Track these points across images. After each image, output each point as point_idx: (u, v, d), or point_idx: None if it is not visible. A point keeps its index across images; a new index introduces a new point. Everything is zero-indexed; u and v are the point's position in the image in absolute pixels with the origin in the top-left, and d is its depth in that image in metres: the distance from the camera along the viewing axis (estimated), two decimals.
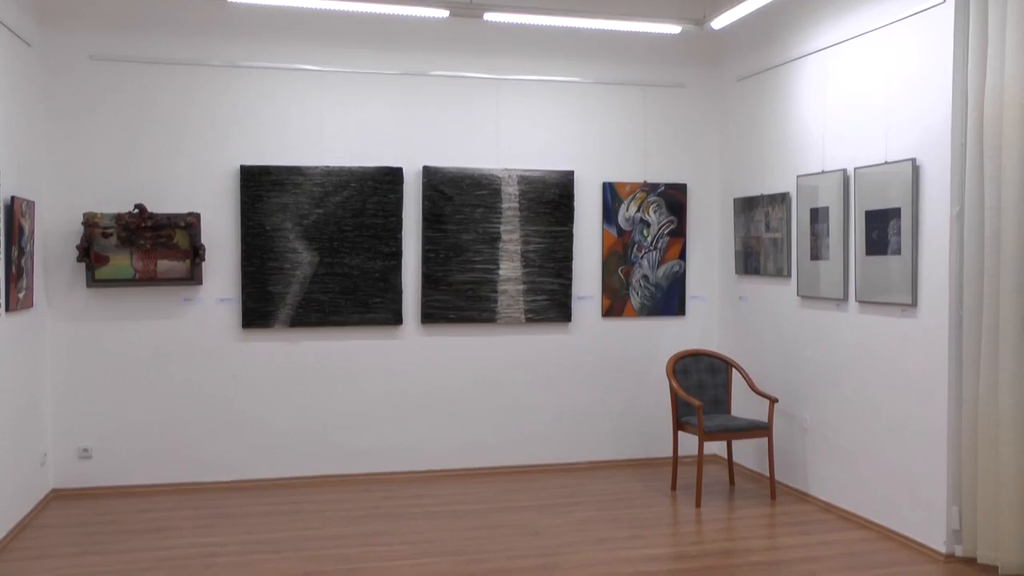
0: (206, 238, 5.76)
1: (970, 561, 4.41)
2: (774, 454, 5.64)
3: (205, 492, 5.74)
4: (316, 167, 5.87)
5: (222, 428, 5.87)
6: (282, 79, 5.90)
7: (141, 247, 5.58)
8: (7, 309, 4.81)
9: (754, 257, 6.11)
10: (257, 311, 5.82)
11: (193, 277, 5.69)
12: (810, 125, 5.53)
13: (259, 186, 5.80)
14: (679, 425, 5.69)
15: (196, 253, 5.65)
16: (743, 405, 6.09)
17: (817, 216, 5.39)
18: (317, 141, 5.91)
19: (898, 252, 4.69)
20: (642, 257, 6.47)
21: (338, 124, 5.96)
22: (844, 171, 5.14)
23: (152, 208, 5.67)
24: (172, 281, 5.67)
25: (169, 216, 5.64)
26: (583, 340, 6.40)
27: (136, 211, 5.59)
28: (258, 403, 5.91)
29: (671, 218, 6.53)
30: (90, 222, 5.51)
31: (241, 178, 5.77)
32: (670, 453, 6.10)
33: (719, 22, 5.69)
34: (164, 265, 5.64)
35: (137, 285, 5.63)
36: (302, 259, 5.85)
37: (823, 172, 5.33)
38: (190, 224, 5.65)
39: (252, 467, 5.91)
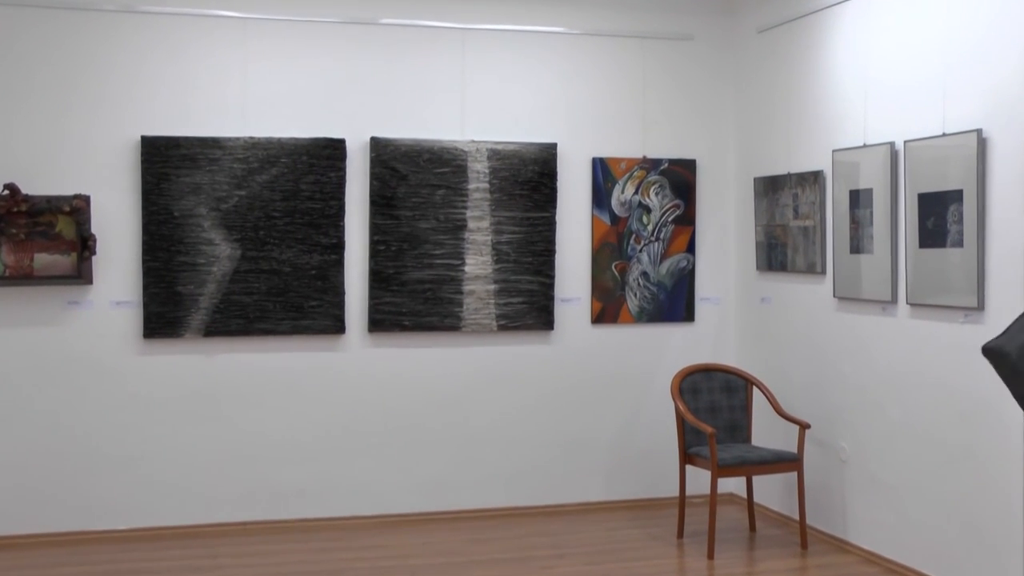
0: (97, 226, 5.68)
1: None
2: (805, 492, 5.63)
3: (96, 543, 5.66)
4: (237, 138, 5.85)
5: (118, 463, 5.80)
6: (194, 28, 5.85)
7: (13, 237, 5.53)
8: None
9: (780, 250, 6.12)
10: (163, 317, 5.79)
11: (81, 275, 5.64)
12: (849, 88, 5.51)
13: (165, 162, 5.76)
14: (687, 457, 5.71)
15: (85, 245, 5.59)
16: (766, 432, 6.08)
17: (858, 200, 5.39)
18: (238, 106, 5.88)
19: (959, 244, 4.68)
20: (641, 250, 6.48)
21: (265, 85, 5.93)
22: (891, 145, 5.13)
23: (27, 189, 5.59)
24: (53, 280, 5.61)
25: (49, 199, 5.58)
26: (569, 352, 6.41)
27: (6, 192, 5.52)
28: (164, 432, 5.85)
29: (677, 202, 6.53)
30: None
31: (142, 152, 5.74)
32: (676, 492, 6.00)
33: None
34: (43, 260, 5.59)
35: (8, 284, 5.58)
36: (220, 252, 5.85)
37: (865, 146, 5.33)
38: (77, 209, 5.58)
39: (156, 512, 5.85)
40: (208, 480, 5.89)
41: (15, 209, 5.47)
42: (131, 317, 5.77)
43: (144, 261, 5.73)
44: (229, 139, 5.81)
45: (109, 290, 5.73)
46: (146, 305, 5.74)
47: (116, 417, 5.77)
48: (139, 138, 5.73)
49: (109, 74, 5.72)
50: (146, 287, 5.73)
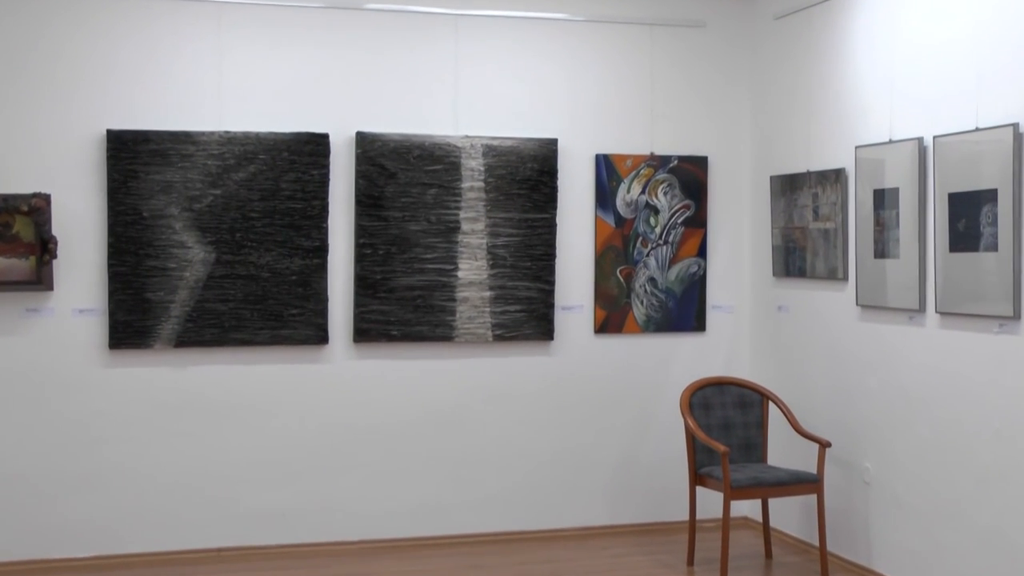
0: (58, 228, 5.65)
1: None
2: (825, 516, 5.61)
3: (56, 572, 5.64)
4: (212, 133, 5.85)
5: (81, 485, 5.77)
6: (165, 12, 5.85)
7: None
8: None
9: (798, 254, 6.12)
10: (130, 326, 5.77)
11: (40, 280, 5.63)
12: (873, 79, 5.50)
13: (133, 158, 5.75)
14: (698, 478, 5.72)
15: (45, 248, 5.59)
16: (783, 451, 6.08)
17: (883, 200, 5.38)
18: (214, 98, 5.88)
19: (994, 248, 4.65)
20: (648, 254, 6.48)
21: (242, 75, 5.94)
22: (920, 140, 5.12)
23: None
24: (10, 285, 5.59)
25: (6, 198, 5.55)
26: (570, 365, 6.42)
27: None
28: (131, 451, 5.83)
29: (687, 202, 6.54)
30: None
31: (108, 147, 5.72)
32: (686, 516, 6.02)
33: None
34: None
35: None
36: (193, 256, 5.84)
37: (891, 142, 5.32)
38: (36, 209, 5.57)
39: (122, 538, 5.83)
40: (180, 503, 5.86)
41: None
42: (95, 326, 5.75)
43: (110, 265, 5.71)
44: (203, 133, 5.79)
45: (71, 297, 5.71)
46: (112, 313, 5.71)
47: (79, 434, 5.73)
48: (104, 132, 5.70)
49: (72, 62, 5.69)
50: (112, 294, 5.71)
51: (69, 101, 5.69)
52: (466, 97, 6.19)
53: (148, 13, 5.78)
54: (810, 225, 5.97)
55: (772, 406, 5.97)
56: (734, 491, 5.38)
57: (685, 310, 6.52)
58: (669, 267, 6.48)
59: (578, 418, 6.39)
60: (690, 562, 5.75)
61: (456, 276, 6.14)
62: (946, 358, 4.98)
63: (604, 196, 6.38)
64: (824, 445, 5.53)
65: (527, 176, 6.22)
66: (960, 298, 4.86)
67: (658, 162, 6.44)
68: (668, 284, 6.48)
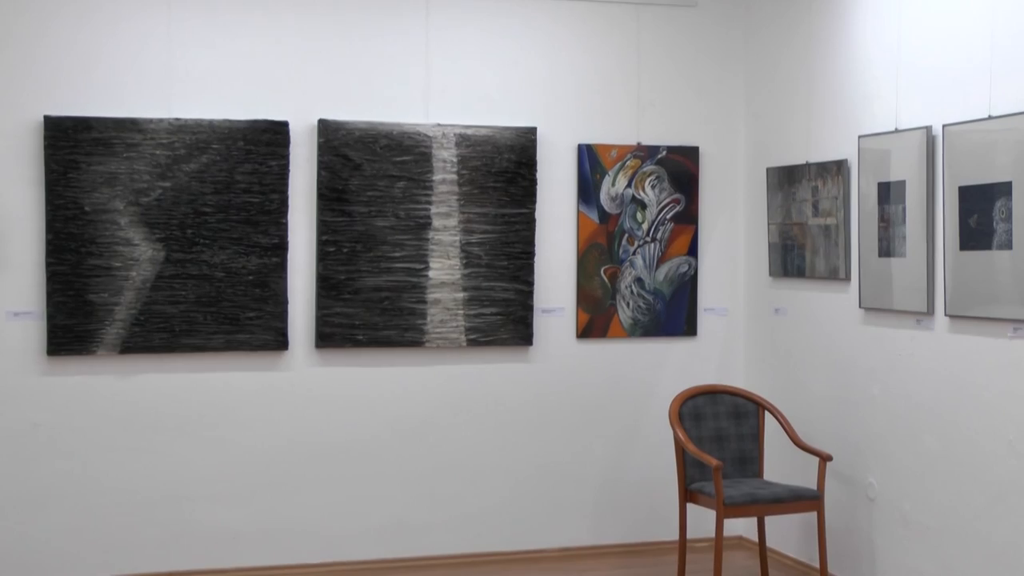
0: None
1: None
2: (826, 535, 5.61)
3: None
4: (161, 120, 5.84)
5: (17, 504, 5.73)
6: None
7: None
8: None
9: (797, 252, 6.13)
10: (71, 330, 5.75)
11: None
12: (878, 63, 5.51)
13: (74, 147, 5.73)
14: (689, 495, 5.71)
15: None
16: (781, 465, 6.10)
17: (889, 194, 5.38)
18: (162, 81, 5.89)
19: (1007, 246, 4.64)
20: (635, 252, 6.50)
21: (194, 56, 5.94)
22: (928, 129, 5.11)
23: None
24: None
25: None
26: (550, 372, 6.44)
27: None
28: (71, 467, 5.80)
29: (676, 196, 6.55)
30: None
31: (46, 135, 5.71)
32: (676, 535, 5.98)
33: None
34: None
35: None
36: (140, 254, 5.83)
37: (897, 131, 5.31)
38: None
39: (62, 563, 5.78)
40: (124, 523, 5.83)
41: None
42: (32, 331, 5.72)
43: (48, 265, 5.68)
44: (151, 120, 5.78)
45: (5, 299, 5.69)
46: (50, 317, 5.69)
47: (14, 449, 5.70)
48: (41, 118, 5.69)
49: (4, 41, 5.67)
50: (50, 295, 5.69)
51: (1, 85, 5.66)
52: (438, 82, 6.20)
53: None
54: (809, 221, 5.97)
55: (769, 416, 5.96)
56: (728, 508, 5.37)
57: (675, 313, 6.54)
58: (657, 266, 6.49)
59: (559, 430, 6.41)
60: None
61: (427, 276, 6.14)
62: (956, 364, 4.98)
63: (587, 190, 6.39)
64: (825, 459, 5.53)
65: (504, 168, 6.23)
66: (971, 300, 4.85)
67: (645, 153, 6.45)
68: (656, 285, 6.49)
